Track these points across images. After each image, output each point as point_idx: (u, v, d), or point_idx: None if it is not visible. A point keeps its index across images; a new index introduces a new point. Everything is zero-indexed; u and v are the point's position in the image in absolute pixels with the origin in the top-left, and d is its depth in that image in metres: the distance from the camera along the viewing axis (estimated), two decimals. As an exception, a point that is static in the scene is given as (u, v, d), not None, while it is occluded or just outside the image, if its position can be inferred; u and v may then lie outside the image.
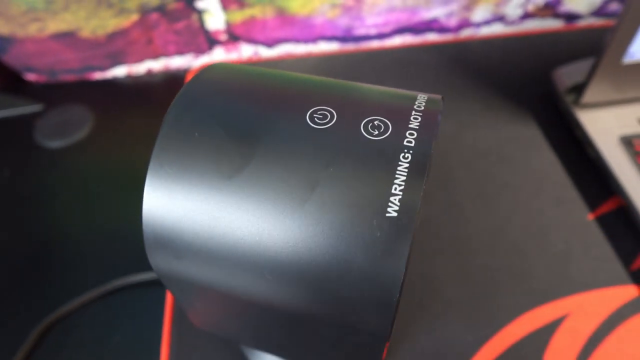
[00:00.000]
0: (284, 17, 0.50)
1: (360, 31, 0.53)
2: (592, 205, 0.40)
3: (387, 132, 0.16)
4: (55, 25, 0.47)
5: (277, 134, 0.16)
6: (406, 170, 0.15)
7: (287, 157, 0.16)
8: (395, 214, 0.14)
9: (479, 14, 0.53)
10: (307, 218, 0.15)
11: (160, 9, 0.47)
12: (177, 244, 0.16)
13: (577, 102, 0.43)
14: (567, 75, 0.45)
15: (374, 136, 0.16)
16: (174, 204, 0.16)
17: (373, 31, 0.53)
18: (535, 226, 0.39)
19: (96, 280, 0.38)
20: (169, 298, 0.36)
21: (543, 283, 0.36)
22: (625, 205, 0.39)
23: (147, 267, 0.38)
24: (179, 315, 0.35)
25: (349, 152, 0.15)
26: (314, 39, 0.53)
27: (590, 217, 0.39)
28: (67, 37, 0.48)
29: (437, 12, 0.52)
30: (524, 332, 0.34)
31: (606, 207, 0.40)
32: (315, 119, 0.16)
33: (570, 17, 0.56)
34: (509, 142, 0.45)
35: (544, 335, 0.34)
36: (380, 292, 0.15)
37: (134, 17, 0.48)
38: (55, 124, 0.48)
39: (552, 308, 0.35)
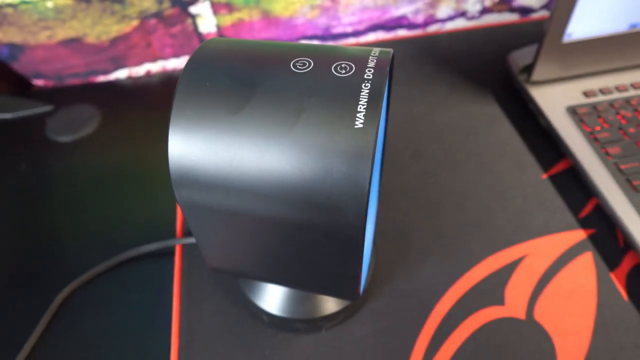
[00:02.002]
0: (269, 19, 0.56)
1: (337, 29, 0.59)
2: (546, 166, 0.46)
3: (351, 71, 0.21)
4: (64, 32, 0.52)
5: (269, 79, 0.22)
6: (367, 94, 0.20)
7: (277, 94, 0.21)
8: (361, 126, 0.20)
9: (443, 10, 0.60)
10: (296, 137, 0.20)
11: (158, 15, 0.53)
12: (196, 173, 0.22)
13: (528, 80, 0.50)
14: (519, 57, 0.51)
15: (342, 74, 0.21)
16: (193, 139, 0.21)
17: (349, 29, 0.59)
18: (497, 187, 0.45)
19: (109, 252, 0.42)
20: (177, 263, 0.41)
21: (505, 232, 0.41)
22: (573, 164, 0.45)
23: (149, 240, 0.42)
24: (187, 276, 0.40)
25: (325, 86, 0.21)
26: (296, 38, 0.59)
27: (544, 176, 0.45)
28: (74, 43, 0.54)
29: (404, 9, 0.58)
30: (488, 271, 0.39)
31: (558, 168, 0.46)
32: (297, 65, 0.22)
33: (524, 11, 0.62)
34: (473, 118, 0.51)
35: (505, 273, 0.39)
36: (355, 186, 0.20)
37: (135, 23, 0.53)
38: (65, 122, 0.53)
39: (512, 251, 0.40)
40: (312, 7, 0.56)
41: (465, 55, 0.58)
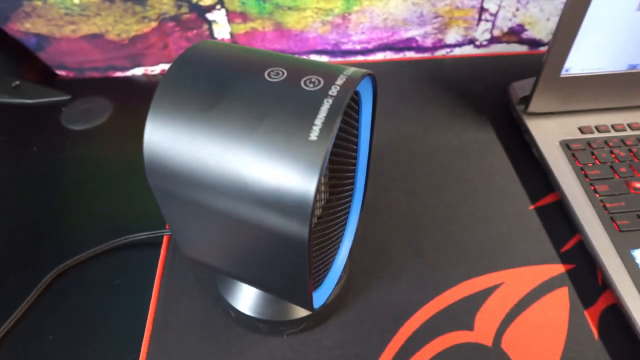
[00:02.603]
0: (281, 30, 0.58)
1: (347, 46, 0.61)
2: (534, 198, 0.46)
3: (319, 86, 0.23)
4: (87, 27, 0.55)
5: (242, 84, 0.23)
6: (327, 109, 0.22)
7: (245, 98, 0.23)
8: (315, 138, 0.21)
9: (452, 36, 0.61)
10: (254, 141, 0.22)
11: (176, 19, 0.56)
12: (165, 161, 0.23)
13: (525, 111, 0.50)
14: (519, 88, 0.52)
15: (310, 88, 0.23)
16: (165, 129, 0.23)
17: (358, 47, 0.61)
18: (482, 212, 0.45)
19: (105, 237, 0.44)
20: (162, 254, 0.43)
21: (484, 258, 0.42)
22: (560, 198, 0.45)
23: (145, 229, 0.44)
24: (169, 268, 0.42)
25: (290, 97, 0.22)
26: (306, 52, 0.61)
27: (531, 207, 0.46)
28: (96, 39, 0.57)
29: (414, 32, 0.60)
30: (462, 295, 0.40)
31: (546, 200, 0.46)
32: (272, 74, 0.23)
33: (534, 44, 0.63)
34: (468, 143, 0.52)
35: (479, 299, 0.39)
36: (302, 195, 0.21)
37: (153, 24, 0.56)
38: (80, 111, 0.56)
39: (489, 278, 0.41)
40: (324, 22, 0.57)
41: (469, 81, 0.59)
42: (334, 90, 0.22)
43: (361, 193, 0.36)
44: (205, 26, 0.57)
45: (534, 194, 0.47)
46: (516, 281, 0.40)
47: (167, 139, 0.23)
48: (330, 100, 0.22)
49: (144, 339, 0.37)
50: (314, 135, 0.21)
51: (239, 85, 0.23)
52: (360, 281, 0.40)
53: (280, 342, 0.36)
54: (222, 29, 0.58)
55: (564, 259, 0.42)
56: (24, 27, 0.55)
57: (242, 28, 0.58)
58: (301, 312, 0.34)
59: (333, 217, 0.33)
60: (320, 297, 0.31)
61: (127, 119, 0.56)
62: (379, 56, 0.63)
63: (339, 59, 0.62)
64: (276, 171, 0.21)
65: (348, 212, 0.36)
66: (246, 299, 0.35)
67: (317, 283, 0.31)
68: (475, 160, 0.50)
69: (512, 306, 0.39)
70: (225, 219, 0.24)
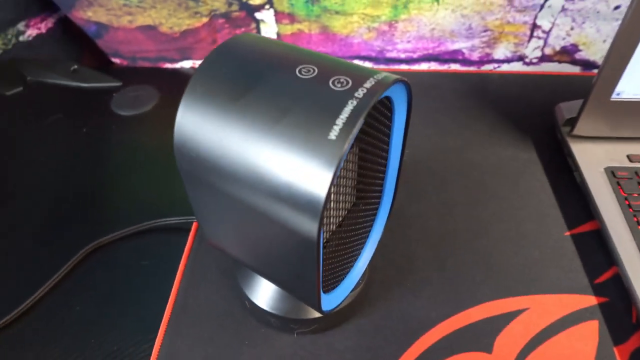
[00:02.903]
0: (327, 34, 0.59)
1: (391, 54, 0.61)
2: (571, 224, 0.44)
3: (346, 86, 0.23)
4: (143, 19, 0.58)
5: (272, 77, 0.24)
6: (350, 111, 0.22)
7: (273, 92, 0.23)
8: (334, 138, 0.21)
9: (500, 51, 0.60)
10: (275, 134, 0.22)
11: (226, 16, 0.58)
12: (191, 144, 0.24)
13: (571, 134, 0.48)
14: (566, 109, 0.50)
15: (338, 88, 0.23)
16: (195, 114, 0.24)
17: (403, 55, 0.61)
18: (514, 234, 0.44)
19: (140, 218, 0.46)
20: (189, 241, 0.44)
21: (511, 280, 0.40)
22: (600, 227, 0.43)
23: (178, 215, 0.46)
24: (194, 255, 0.43)
25: (316, 94, 0.23)
26: (350, 57, 0.61)
27: (567, 233, 0.44)
28: (150, 30, 0.59)
29: (461, 45, 0.59)
30: (484, 315, 0.38)
31: (584, 228, 0.44)
32: (302, 71, 0.24)
33: (587, 65, 0.60)
34: (507, 161, 0.50)
35: (501, 321, 0.38)
36: (314, 192, 0.21)
37: (205, 20, 0.58)
38: (129, 98, 0.59)
39: (514, 301, 0.39)
40: (370, 28, 0.57)
41: (515, 99, 0.57)
42: (360, 93, 0.22)
43: (389, 201, 0.35)
44: (253, 25, 0.58)
45: (572, 220, 0.45)
46: (543, 308, 0.39)
47: (195, 124, 0.24)
48: (355, 102, 0.22)
49: (163, 320, 0.38)
50: (333, 134, 0.21)
51: (269, 78, 0.24)
52: (381, 289, 0.40)
53: (292, 340, 0.36)
54: (269, 29, 0.59)
55: (597, 290, 0.40)
56: (86, 15, 0.58)
57: (289, 29, 0.58)
58: (313, 313, 0.34)
59: (357, 222, 0.33)
60: (332, 300, 0.31)
61: (172, 109, 0.57)
62: (424, 66, 0.62)
63: (383, 66, 0.62)
64: (292, 166, 0.21)
65: (373, 219, 0.36)
66: (261, 291, 0.35)
67: (331, 286, 0.31)
68: (513, 180, 0.48)
69: (535, 333, 0.37)
70: (243, 208, 0.24)
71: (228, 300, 0.39)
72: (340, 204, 0.30)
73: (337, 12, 0.56)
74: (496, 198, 0.47)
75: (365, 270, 0.36)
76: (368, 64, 0.62)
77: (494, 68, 0.62)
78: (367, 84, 0.23)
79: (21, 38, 0.61)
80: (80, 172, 0.51)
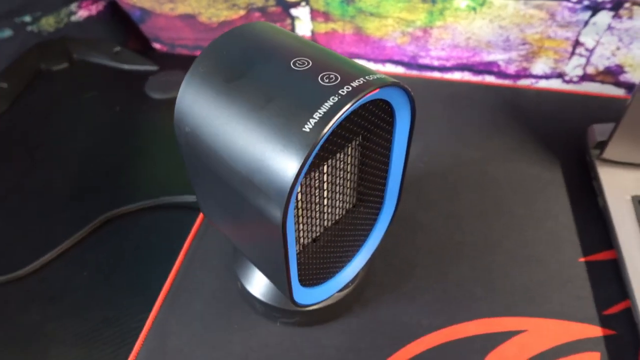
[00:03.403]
0: (360, 35, 0.59)
1: (424, 60, 0.60)
2: (587, 250, 0.42)
3: (333, 82, 0.23)
4: (183, 7, 0.60)
5: (266, 65, 0.24)
6: (328, 106, 0.21)
7: (263, 79, 0.24)
8: (308, 130, 0.21)
9: (539, 66, 0.58)
10: (256, 119, 0.23)
11: (262, 10, 0.59)
12: (187, 118, 0.25)
13: (599, 157, 0.46)
14: (599, 131, 0.47)
15: (325, 83, 0.23)
16: (193, 91, 0.25)
17: (436, 63, 0.60)
18: (524, 253, 0.42)
19: (158, 194, 0.48)
20: (197, 221, 0.45)
21: (512, 299, 0.39)
22: (617, 257, 0.40)
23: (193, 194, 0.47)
24: (200, 236, 0.44)
25: (303, 87, 0.23)
26: (383, 60, 0.61)
27: (581, 259, 0.41)
28: (189, 19, 0.61)
29: (497, 56, 0.57)
30: (477, 331, 0.37)
31: (600, 256, 0.42)
32: (297, 63, 0.24)
33: (632, 88, 0.57)
34: (529, 178, 0.48)
35: (495, 340, 0.37)
36: (282, 181, 0.21)
37: (242, 12, 0.59)
38: (162, 82, 0.61)
39: (512, 321, 0.38)
40: (404, 33, 0.57)
41: (549, 117, 0.55)
42: (344, 90, 0.22)
43: (392, 207, 0.35)
44: (289, 21, 0.59)
45: (588, 247, 0.42)
46: (542, 332, 0.37)
47: (191, 100, 0.25)
48: (336, 98, 0.22)
49: (160, 295, 0.39)
50: (307, 127, 0.21)
51: (263, 66, 0.24)
52: (376, 292, 0.39)
53: (279, 330, 0.37)
54: (303, 26, 0.59)
55: (604, 322, 0.37)
56: (132, 0, 0.61)
57: (323, 27, 0.59)
58: (307, 298, 0.34)
59: (354, 223, 0.32)
60: (313, 295, 0.31)
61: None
62: (457, 75, 0.61)
63: (415, 72, 0.62)
64: (265, 152, 0.22)
65: (373, 224, 0.35)
66: (250, 274, 0.36)
67: (315, 281, 0.31)
68: (532, 198, 0.46)
69: (530, 357, 0.36)
70: (224, 188, 0.25)
71: (224, 283, 0.40)
72: (337, 202, 0.30)
73: (372, 14, 0.56)
74: (510, 215, 0.45)
75: (359, 273, 0.36)
76: (400, 69, 0.62)
77: (531, 83, 0.60)
78: (355, 83, 0.22)
79: (73, 18, 0.65)
80: (108, 147, 0.54)
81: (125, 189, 0.49)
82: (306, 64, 0.24)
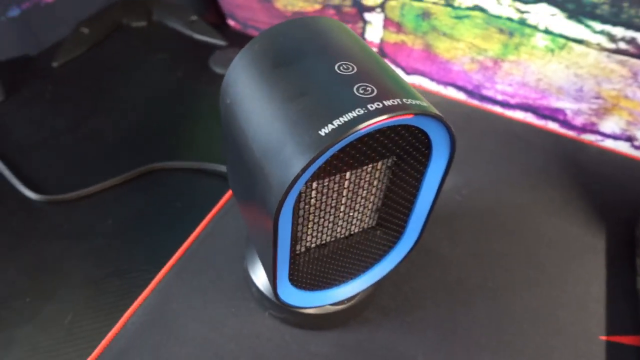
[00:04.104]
0: (428, 53, 0.57)
1: (488, 92, 0.58)
2: (611, 330, 0.39)
3: (368, 95, 0.22)
4: (263, -9, 0.61)
5: (313, 60, 0.24)
6: (350, 117, 0.21)
7: (304, 74, 0.24)
8: (323, 134, 0.21)
9: (608, 124, 0.54)
10: (286, 110, 0.23)
11: (337, 8, 0.59)
12: (229, 89, 0.26)
13: (650, 234, 0.42)
14: (656, 207, 0.44)
15: (359, 93, 0.22)
16: (242, 66, 0.26)
17: (499, 97, 0.57)
18: (542, 314, 0.40)
19: (201, 158, 0.50)
20: (226, 194, 0.46)
21: (517, 358, 0.37)
22: (643, 344, 0.38)
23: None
24: (226, 209, 0.44)
25: (336, 91, 0.23)
26: (445, 82, 0.59)
27: (602, 337, 0.39)
28: (266, 2, 0.62)
29: (565, 104, 0.54)
30: (471, 381, 0.36)
31: (624, 339, 0.39)
32: (341, 67, 0.24)
33: None
34: (568, 238, 0.46)
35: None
36: (285, 175, 0.21)
37: (317, 6, 0.60)
38: (227, 58, 0.62)
39: (510, 381, 0.36)
40: (473, 60, 0.55)
41: (607, 179, 0.52)
42: (373, 106, 0.21)
43: (411, 241, 0.33)
44: (361, 24, 0.59)
45: (614, 326, 0.39)
46: (540, 402, 0.35)
47: (237, 75, 0.26)
48: (362, 111, 0.21)
49: (170, 261, 0.40)
50: (323, 131, 0.21)
51: (310, 61, 0.24)
52: (376, 314, 0.39)
53: (274, 325, 0.37)
54: (374, 32, 0.59)
55: (611, 409, 0.35)
56: (218, -26, 0.63)
57: (393, 37, 0.58)
58: (295, 300, 0.34)
59: (367, 244, 0.32)
60: (300, 298, 0.31)
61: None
62: (518, 115, 0.58)
63: (475, 102, 0.60)
64: (280, 143, 0.22)
65: (388, 250, 0.34)
66: (254, 257, 0.36)
67: (308, 285, 0.31)
68: (567, 259, 0.44)
69: (520, 423, 0.34)
70: (244, 164, 0.25)
71: (233, 265, 0.40)
72: (354, 217, 0.29)
73: (444, 34, 0.55)
74: (540, 270, 0.43)
75: (364, 292, 0.35)
76: (461, 95, 0.60)
77: (596, 140, 0.57)
78: (388, 102, 0.22)
79: (161, -20, 0.68)
80: (164, 107, 0.57)
81: (171, 149, 0.52)
82: (350, 69, 0.24)
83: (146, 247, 0.43)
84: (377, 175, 0.27)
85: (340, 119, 0.21)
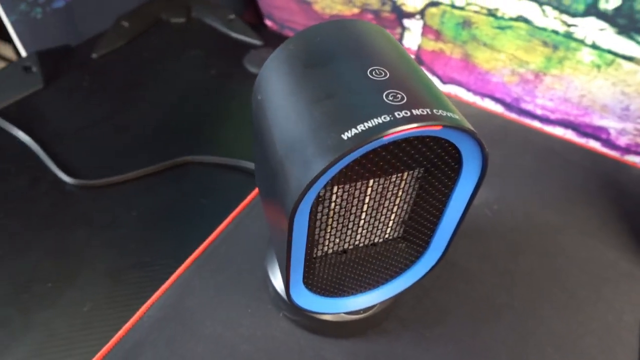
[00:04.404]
0: (467, 62, 0.56)
1: (527, 106, 0.56)
2: (647, 363, 0.37)
3: (397, 102, 0.21)
4: (302, -8, 0.61)
5: (346, 64, 0.24)
6: (377, 123, 0.20)
7: (335, 76, 0.23)
8: (345, 138, 0.20)
9: (655, 146, 0.51)
10: (313, 109, 0.22)
11: (376, 13, 0.58)
12: (261, 85, 0.26)
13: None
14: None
15: (388, 100, 0.21)
16: (276, 64, 0.26)
17: (539, 111, 0.55)
18: (570, 339, 0.38)
19: (225, 155, 0.50)
20: (253, 192, 0.46)
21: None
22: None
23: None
24: (250, 207, 0.44)
25: (364, 96, 0.22)
26: (483, 94, 0.57)
27: (636, 370, 0.36)
28: (304, 4, 0.62)
29: (609, 123, 0.52)
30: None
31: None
32: (374, 72, 0.23)
33: None
34: (603, 261, 0.43)
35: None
36: (303, 176, 0.21)
37: (355, 10, 0.59)
38: (260, 58, 0.63)
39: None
40: (513, 72, 0.53)
41: (649, 204, 0.49)
42: (400, 114, 0.20)
43: (436, 257, 0.32)
44: (399, 30, 0.58)
45: (649, 360, 0.37)
46: None
47: (270, 72, 0.26)
48: (387, 118, 0.20)
49: (191, 256, 0.40)
50: (346, 135, 0.20)
51: (343, 63, 0.24)
52: (396, 326, 0.37)
53: (289, 328, 0.36)
54: (412, 39, 0.58)
55: None
56: (258, -26, 0.63)
57: (431, 45, 0.57)
58: (309, 304, 0.33)
59: (390, 255, 0.31)
60: (314, 302, 0.30)
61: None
62: (558, 131, 0.56)
63: (514, 115, 0.58)
64: (302, 143, 0.22)
65: (410, 264, 0.33)
66: (273, 257, 0.36)
67: (324, 290, 0.30)
68: (600, 284, 0.41)
69: None
70: (267, 161, 0.25)
71: (254, 264, 0.40)
72: (378, 226, 0.28)
73: (485, 44, 0.53)
74: (569, 294, 0.41)
75: (383, 305, 0.34)
76: (499, 108, 0.58)
77: (639, 162, 0.54)
78: (417, 111, 0.21)
79: (202, -23, 0.69)
80: (195, 103, 0.57)
81: (197, 144, 0.52)
82: (383, 75, 0.23)
83: (170, 240, 0.43)
84: (402, 186, 0.26)
85: (365, 124, 0.20)
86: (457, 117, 0.22)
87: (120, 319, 0.35)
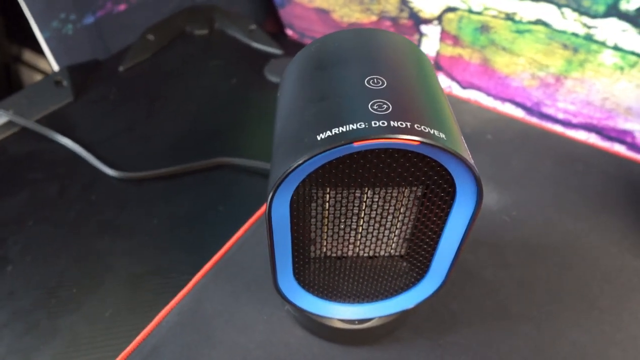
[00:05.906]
0: (486, 67, 0.55)
1: (548, 110, 0.54)
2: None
3: (380, 112, 0.21)
4: (320, 2, 0.62)
5: (348, 69, 0.25)
6: (352, 128, 0.21)
7: (334, 79, 0.24)
8: (319, 139, 0.21)
9: (684, 150, 0.49)
10: (305, 109, 0.24)
11: (394, 20, 0.58)
12: (281, 85, 0.29)
13: None
14: None
15: (373, 109, 0.21)
16: (293, 66, 0.28)
17: (560, 115, 0.54)
18: (591, 352, 0.37)
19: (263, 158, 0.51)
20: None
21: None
22: None
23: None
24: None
25: (353, 101, 0.22)
26: (503, 98, 0.57)
27: (661, 385, 0.35)
28: (323, 14, 0.63)
29: (635, 126, 0.50)
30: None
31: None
32: (371, 81, 0.23)
33: None
34: (627, 270, 0.42)
35: None
36: (280, 170, 0.22)
37: (373, 18, 0.59)
38: (281, 67, 0.64)
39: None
40: (534, 76, 0.53)
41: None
42: (377, 123, 0.20)
43: (436, 282, 0.31)
44: (417, 36, 0.58)
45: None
46: None
47: (289, 72, 0.28)
48: (363, 125, 0.20)
49: (209, 263, 0.41)
50: (320, 137, 0.21)
51: (347, 68, 0.25)
52: (409, 334, 0.37)
53: (303, 336, 0.36)
54: (430, 45, 0.58)
55: None
56: (277, -15, 0.65)
57: (449, 50, 0.57)
58: (299, 299, 0.33)
59: (389, 272, 0.31)
60: (306, 300, 0.31)
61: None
62: (581, 135, 0.55)
63: (534, 120, 0.56)
64: (287, 140, 0.23)
65: (411, 285, 0.32)
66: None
67: (317, 292, 0.31)
68: (624, 294, 0.40)
69: None
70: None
71: (269, 271, 0.41)
72: (379, 238, 0.29)
73: (504, 49, 0.53)
74: (590, 305, 0.40)
75: (380, 318, 0.34)
76: (520, 112, 0.57)
77: (669, 167, 0.52)
78: (395, 123, 0.20)
79: (225, -11, 0.71)
80: (216, 111, 0.59)
81: (223, 151, 0.53)
82: (380, 84, 0.23)
83: (189, 246, 0.44)
84: (404, 202, 0.26)
85: (340, 128, 0.21)
86: (443, 137, 0.20)
87: (140, 324, 0.36)
